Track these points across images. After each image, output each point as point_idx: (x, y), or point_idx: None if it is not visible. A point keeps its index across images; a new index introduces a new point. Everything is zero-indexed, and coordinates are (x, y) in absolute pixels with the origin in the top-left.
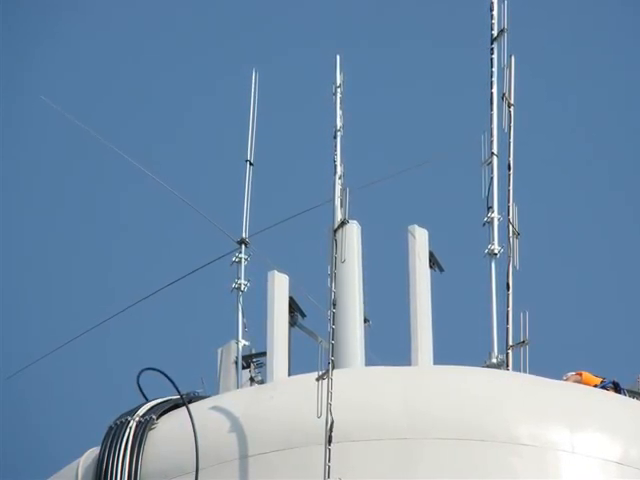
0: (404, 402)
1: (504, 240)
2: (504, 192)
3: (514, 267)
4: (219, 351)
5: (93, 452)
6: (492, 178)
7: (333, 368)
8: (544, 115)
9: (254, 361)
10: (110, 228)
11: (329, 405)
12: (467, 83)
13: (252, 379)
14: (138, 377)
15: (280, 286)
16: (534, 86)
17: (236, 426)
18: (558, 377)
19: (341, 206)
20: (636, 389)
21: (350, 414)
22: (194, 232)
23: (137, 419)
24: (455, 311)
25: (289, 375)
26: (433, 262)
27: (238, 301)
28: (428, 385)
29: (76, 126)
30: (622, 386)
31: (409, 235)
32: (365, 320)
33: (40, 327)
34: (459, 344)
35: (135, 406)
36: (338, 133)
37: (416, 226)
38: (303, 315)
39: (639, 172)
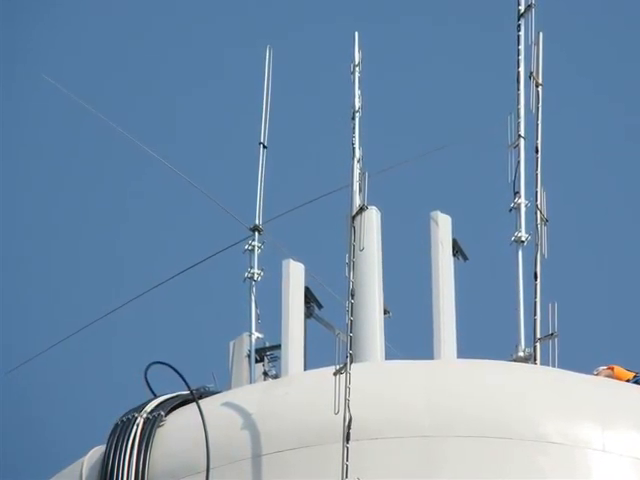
0: (426, 398)
1: (532, 227)
2: (532, 176)
3: (542, 255)
4: (231, 344)
5: (98, 450)
6: (519, 162)
7: (351, 362)
8: (574, 95)
9: (268, 354)
10: (116, 214)
11: (347, 401)
12: (492, 61)
13: (266, 373)
14: (146, 371)
15: (295, 275)
16: (563, 64)
17: (249, 423)
18: (588, 371)
19: (360, 191)
20: None
21: (369, 410)
22: (204, 219)
23: (145, 416)
24: (480, 302)
25: (305, 369)
26: (457, 250)
27: (251, 291)
28: (451, 380)
29: (81, 107)
30: None
31: (431, 222)
32: (385, 311)
33: (42, 319)
34: (484, 337)
35: (142, 402)
36: (356, 114)
37: (439, 212)
38: (320, 306)
39: None
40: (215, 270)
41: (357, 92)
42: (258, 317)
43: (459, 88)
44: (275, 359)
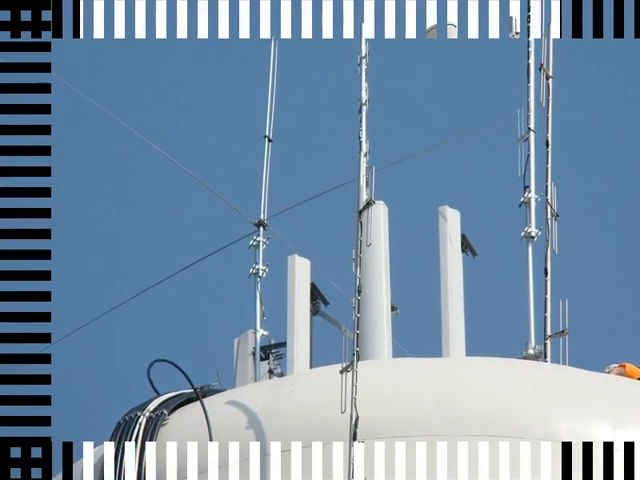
0: (434, 396)
1: (542, 222)
2: (542, 170)
3: (553, 251)
4: (236, 341)
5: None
6: (529, 155)
7: (358, 359)
8: (585, 87)
9: (273, 352)
10: (118, 209)
11: (354, 399)
12: (502, 53)
13: (271, 371)
14: (149, 369)
15: (301, 271)
16: (574, 56)
17: (253, 422)
18: (600, 369)
19: (366, 186)
20: None
21: (376, 409)
22: (209, 213)
23: (147, 414)
24: (489, 298)
25: (311, 367)
26: (465, 245)
27: (256, 287)
28: (460, 378)
29: (82, 99)
30: None
31: (439, 216)
32: (392, 308)
33: None
34: (493, 334)
35: (145, 400)
36: (363, 107)
37: (447, 207)
38: (326, 303)
39: None
40: (219, 266)
41: (364, 84)
42: (263, 314)
43: (468, 80)
44: (280, 357)
